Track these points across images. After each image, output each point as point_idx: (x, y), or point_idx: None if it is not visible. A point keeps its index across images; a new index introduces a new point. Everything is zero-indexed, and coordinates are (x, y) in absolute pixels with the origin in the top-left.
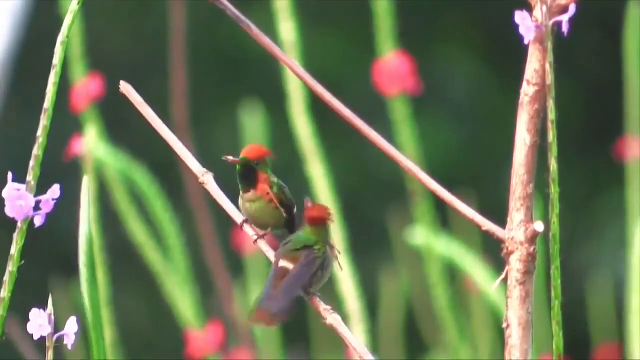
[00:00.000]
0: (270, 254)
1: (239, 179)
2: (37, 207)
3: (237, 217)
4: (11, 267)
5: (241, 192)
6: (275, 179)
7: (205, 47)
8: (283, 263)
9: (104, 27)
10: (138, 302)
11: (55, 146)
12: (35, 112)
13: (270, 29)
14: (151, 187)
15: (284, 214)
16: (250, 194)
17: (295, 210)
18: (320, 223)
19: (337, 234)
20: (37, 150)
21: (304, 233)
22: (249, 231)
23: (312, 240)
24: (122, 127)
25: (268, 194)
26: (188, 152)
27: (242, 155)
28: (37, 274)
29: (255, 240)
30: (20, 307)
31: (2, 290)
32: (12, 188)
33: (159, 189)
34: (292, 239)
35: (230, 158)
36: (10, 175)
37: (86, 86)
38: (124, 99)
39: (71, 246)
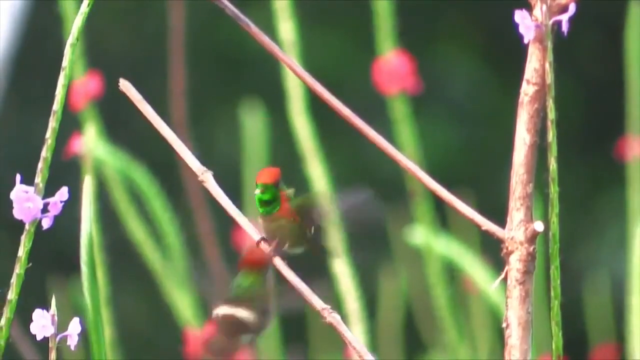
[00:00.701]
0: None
1: (262, 205)
2: (44, 210)
3: (237, 216)
4: (18, 269)
5: (261, 216)
6: (290, 192)
7: (205, 47)
8: (229, 310)
9: (103, 26)
10: (137, 301)
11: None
12: (33, 111)
13: (270, 29)
14: (150, 187)
15: (308, 232)
16: (273, 216)
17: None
18: (263, 267)
19: (336, 234)
20: (45, 153)
21: (244, 279)
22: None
23: (255, 289)
24: (121, 126)
25: (291, 213)
26: (187, 150)
27: (265, 182)
28: (34, 273)
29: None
30: (17, 306)
31: (9, 292)
32: (20, 190)
33: (158, 188)
34: (236, 287)
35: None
36: (18, 177)
37: (85, 85)
38: (123, 97)
39: (69, 246)
